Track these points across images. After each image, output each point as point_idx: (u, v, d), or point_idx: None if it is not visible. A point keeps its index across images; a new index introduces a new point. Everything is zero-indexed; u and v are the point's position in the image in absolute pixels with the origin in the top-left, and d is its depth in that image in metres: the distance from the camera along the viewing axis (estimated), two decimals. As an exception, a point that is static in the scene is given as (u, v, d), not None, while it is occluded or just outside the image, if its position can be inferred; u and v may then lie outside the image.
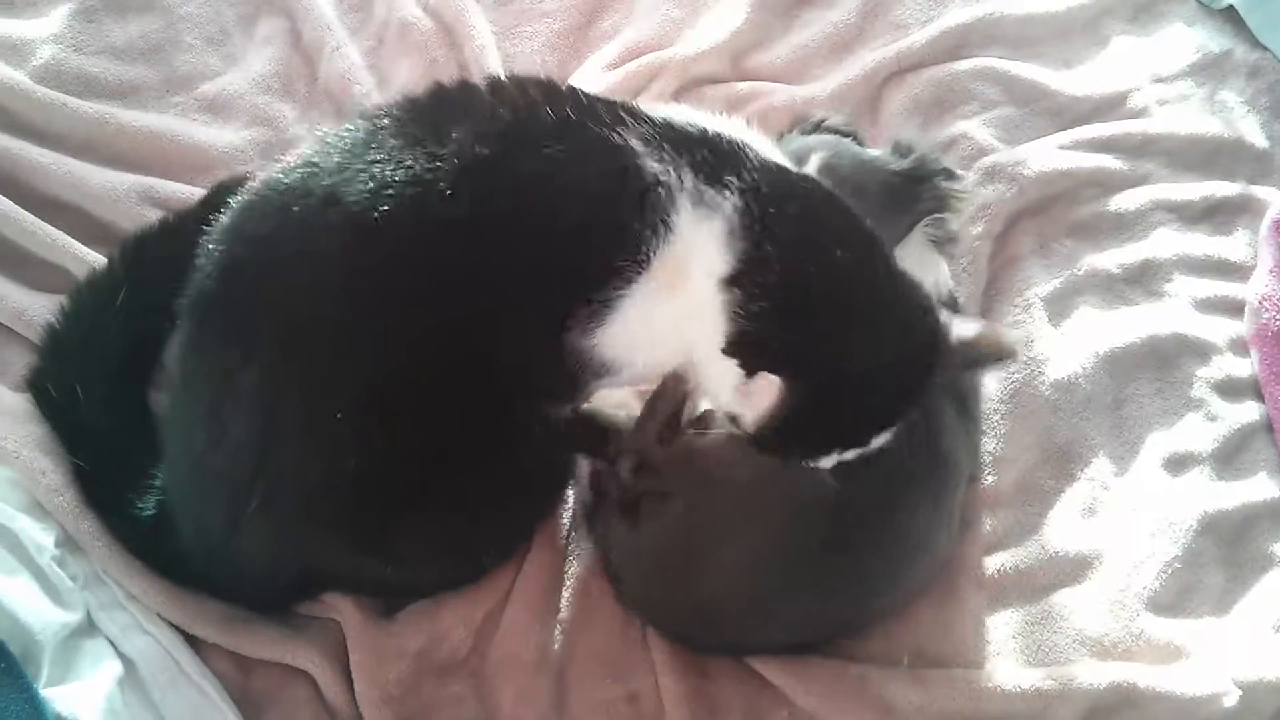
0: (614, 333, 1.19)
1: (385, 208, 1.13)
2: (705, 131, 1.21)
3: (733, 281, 1.15)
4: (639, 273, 1.16)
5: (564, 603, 1.42)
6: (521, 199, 1.16)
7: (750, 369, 1.15)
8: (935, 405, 1.31)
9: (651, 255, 1.16)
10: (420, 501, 1.25)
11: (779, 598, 1.32)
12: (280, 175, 1.23)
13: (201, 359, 1.26)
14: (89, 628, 1.32)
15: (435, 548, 1.34)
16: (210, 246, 1.25)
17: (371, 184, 1.14)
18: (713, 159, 1.18)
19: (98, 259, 1.51)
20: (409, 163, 1.15)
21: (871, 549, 1.30)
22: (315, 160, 1.20)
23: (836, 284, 1.16)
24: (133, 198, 1.59)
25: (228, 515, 1.24)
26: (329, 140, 1.22)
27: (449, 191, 1.14)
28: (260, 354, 1.19)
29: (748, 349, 1.16)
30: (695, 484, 1.34)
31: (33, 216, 1.54)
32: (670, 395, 1.36)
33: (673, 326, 1.20)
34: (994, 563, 1.45)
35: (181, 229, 1.47)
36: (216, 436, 1.23)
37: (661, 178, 1.16)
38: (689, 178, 1.16)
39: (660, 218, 1.16)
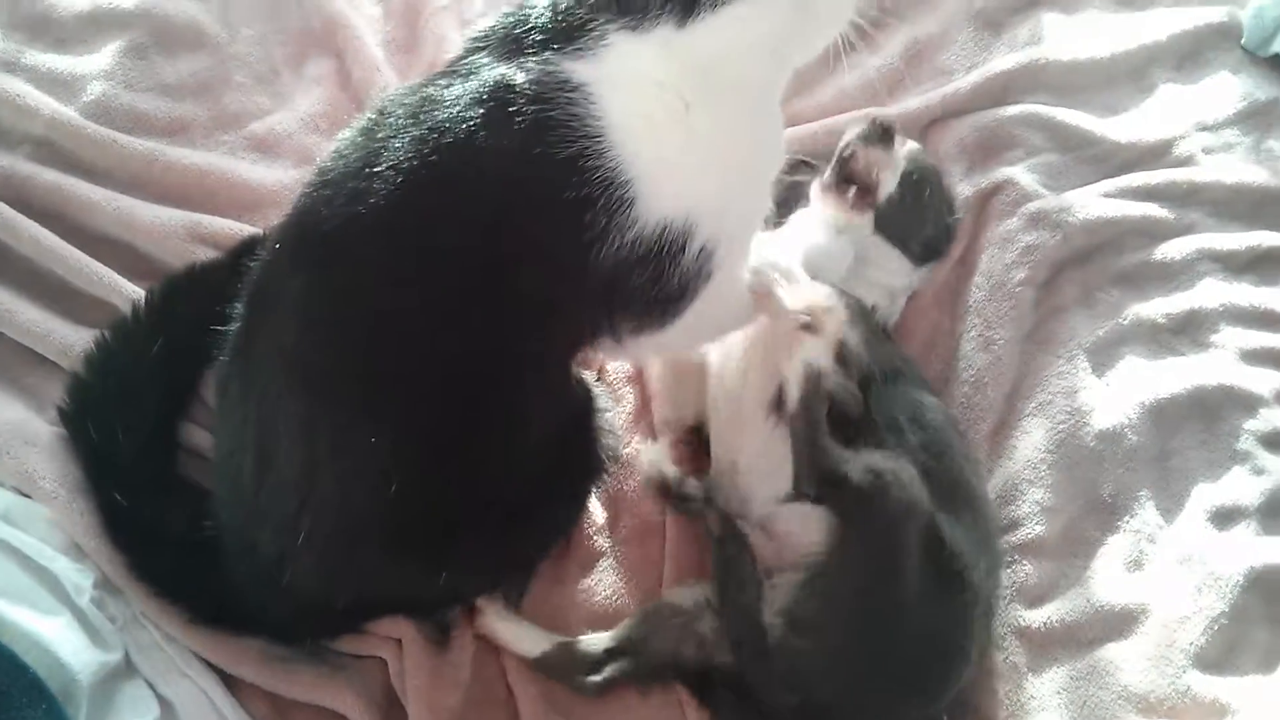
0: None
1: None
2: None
3: None
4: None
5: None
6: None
7: None
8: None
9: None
10: (464, 512, 1.26)
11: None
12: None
13: (243, 401, 1.29)
14: (128, 669, 1.33)
15: (482, 554, 1.34)
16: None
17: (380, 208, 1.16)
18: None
19: (143, 296, 1.52)
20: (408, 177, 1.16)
21: None
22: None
23: None
24: (181, 234, 1.60)
25: (280, 548, 1.26)
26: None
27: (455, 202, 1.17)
28: (296, 388, 1.22)
29: None
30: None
31: (79, 252, 1.56)
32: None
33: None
34: (1039, 616, 1.45)
35: (215, 270, 1.53)
36: (263, 473, 1.25)
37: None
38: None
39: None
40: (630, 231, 1.17)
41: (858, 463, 1.26)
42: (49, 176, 1.62)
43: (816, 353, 1.27)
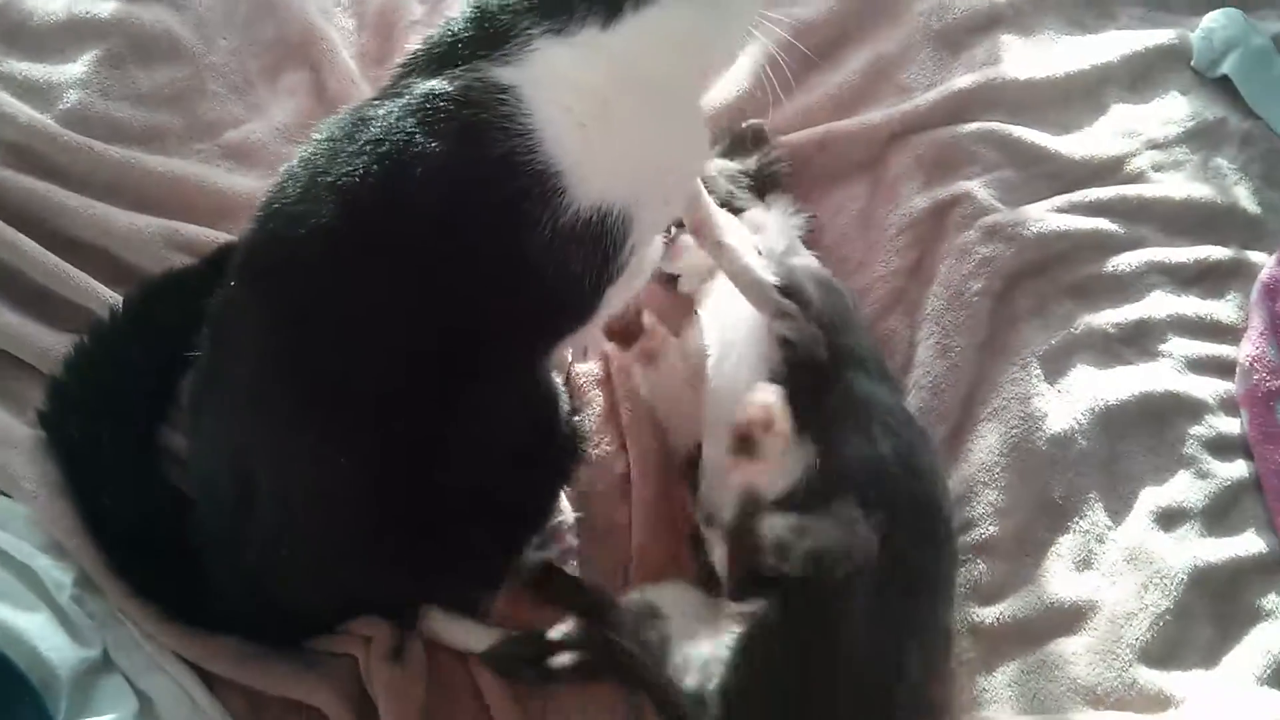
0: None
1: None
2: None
3: None
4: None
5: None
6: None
7: None
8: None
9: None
10: (437, 518, 1.28)
11: None
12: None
13: (215, 424, 1.32)
14: (106, 664, 1.35)
15: (456, 558, 1.35)
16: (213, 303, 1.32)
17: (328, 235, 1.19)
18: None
19: (120, 300, 1.54)
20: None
21: None
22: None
23: None
24: (158, 241, 1.62)
25: (261, 563, 1.29)
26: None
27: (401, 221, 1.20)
28: (263, 410, 1.25)
29: None
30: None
31: (56, 258, 1.58)
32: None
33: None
34: (992, 612, 1.49)
35: (192, 276, 1.55)
36: (241, 494, 1.28)
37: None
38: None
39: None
40: (565, 218, 1.20)
41: (799, 548, 1.24)
42: (25, 182, 1.63)
43: (756, 476, 1.25)
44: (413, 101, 1.20)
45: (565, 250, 1.22)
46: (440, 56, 1.25)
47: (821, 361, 1.37)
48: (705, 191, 1.48)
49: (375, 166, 1.17)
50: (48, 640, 1.29)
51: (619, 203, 1.23)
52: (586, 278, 1.26)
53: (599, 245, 1.24)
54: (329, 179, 1.19)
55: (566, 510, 1.54)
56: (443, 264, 1.20)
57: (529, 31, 1.22)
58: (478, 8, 1.26)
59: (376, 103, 1.24)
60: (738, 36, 1.33)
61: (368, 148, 1.18)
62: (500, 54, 1.22)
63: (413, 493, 1.25)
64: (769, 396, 1.24)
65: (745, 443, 1.23)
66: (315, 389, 1.21)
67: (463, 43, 1.24)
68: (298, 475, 1.24)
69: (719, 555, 1.38)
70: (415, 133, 1.17)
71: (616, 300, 1.38)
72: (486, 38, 1.23)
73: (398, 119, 1.19)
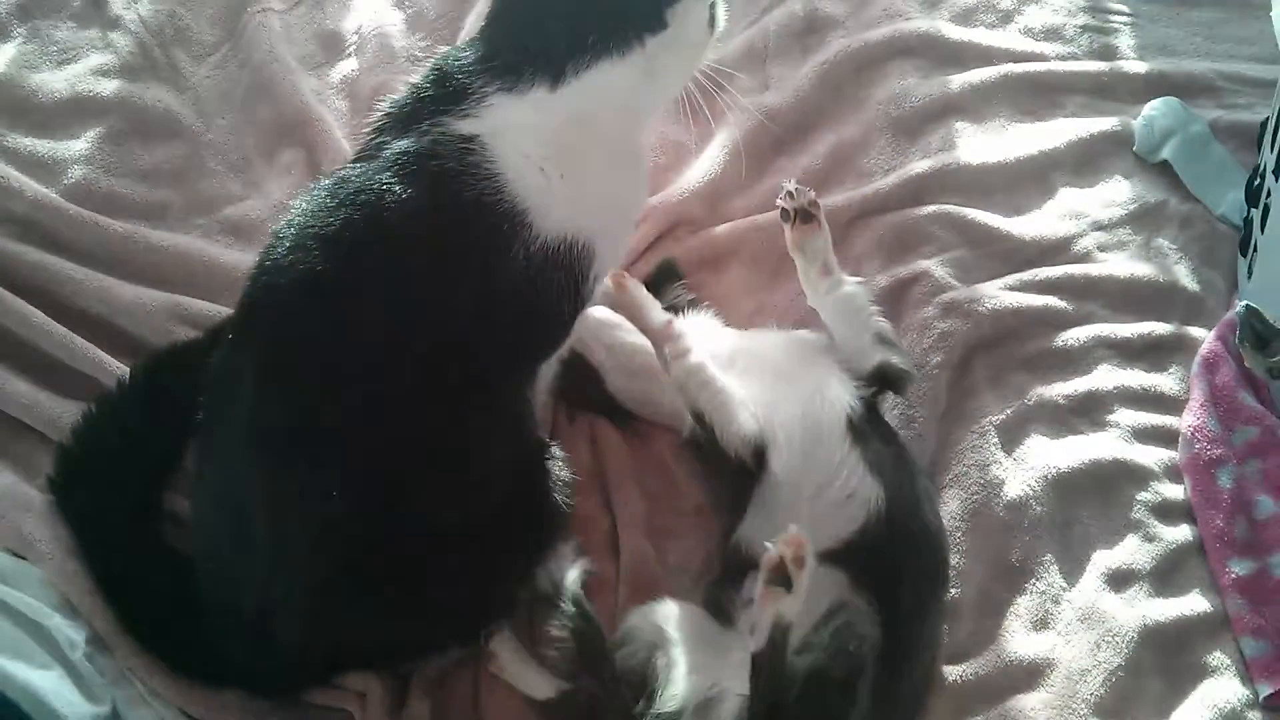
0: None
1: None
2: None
3: None
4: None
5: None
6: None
7: None
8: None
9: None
10: (431, 563, 1.35)
11: None
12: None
13: (214, 477, 1.40)
14: (116, 720, 1.39)
15: (450, 603, 1.41)
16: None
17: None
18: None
19: (126, 371, 1.60)
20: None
21: None
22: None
23: None
24: (162, 314, 1.68)
25: (258, 609, 1.34)
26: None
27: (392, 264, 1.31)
28: (258, 461, 1.33)
29: None
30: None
31: (64, 329, 1.64)
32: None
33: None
34: (955, 671, 1.54)
35: (196, 348, 1.60)
36: (238, 544, 1.34)
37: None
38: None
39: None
40: (535, 247, 1.34)
41: (802, 664, 1.27)
42: (33, 255, 1.70)
43: (786, 607, 1.26)
44: (387, 159, 1.32)
45: (540, 277, 1.34)
46: (407, 116, 1.37)
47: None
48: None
49: (357, 215, 1.29)
50: (61, 697, 1.33)
51: (581, 232, 1.37)
52: (564, 301, 1.39)
53: (570, 271, 1.37)
54: (314, 230, 1.30)
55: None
56: (426, 300, 1.30)
57: (484, 90, 1.36)
58: (437, 69, 1.40)
59: (354, 166, 1.36)
60: (671, 95, 1.48)
61: (349, 200, 1.30)
62: (460, 109, 1.36)
63: (403, 537, 1.32)
64: (801, 535, 1.28)
65: (779, 575, 1.27)
66: (307, 428, 1.29)
67: (426, 101, 1.37)
68: (292, 517, 1.31)
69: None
70: (392, 183, 1.30)
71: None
72: (447, 95, 1.37)
73: (374, 174, 1.31)
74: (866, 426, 1.50)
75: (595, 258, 1.40)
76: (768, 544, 1.28)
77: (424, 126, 1.35)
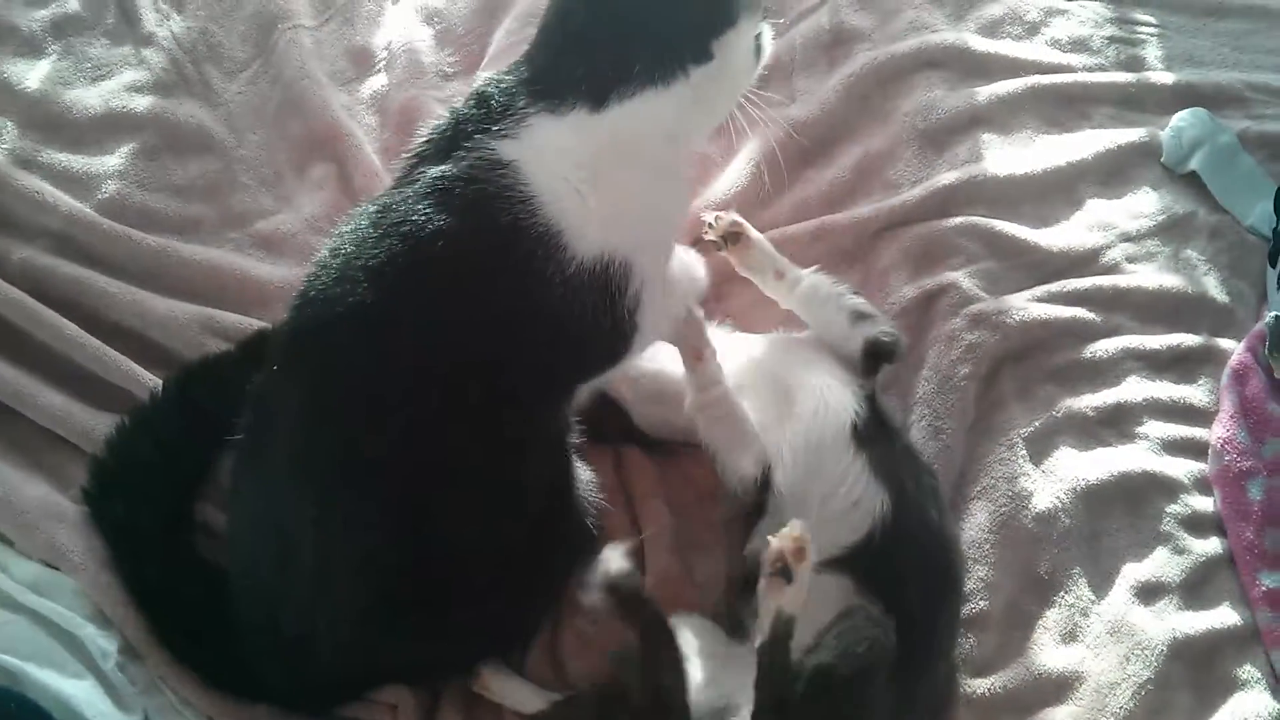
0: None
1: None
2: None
3: None
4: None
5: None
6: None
7: None
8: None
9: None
10: (471, 585, 1.36)
11: None
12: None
13: (257, 501, 1.41)
14: (147, 730, 1.41)
15: (487, 623, 1.43)
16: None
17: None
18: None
19: (158, 383, 1.61)
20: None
21: None
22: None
23: None
24: (194, 327, 1.70)
25: (300, 631, 1.35)
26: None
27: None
28: (303, 486, 1.34)
29: None
30: None
31: (98, 342, 1.66)
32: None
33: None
34: (984, 684, 1.54)
35: (228, 361, 1.63)
36: (282, 568, 1.36)
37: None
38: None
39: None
40: (570, 270, 1.33)
41: (809, 662, 1.26)
42: (67, 269, 1.73)
43: (788, 600, 1.27)
44: (425, 185, 1.32)
45: (577, 297, 1.33)
46: (447, 140, 1.37)
47: None
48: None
49: (400, 245, 1.30)
50: (94, 706, 1.35)
51: (618, 250, 1.36)
52: (602, 318, 1.37)
53: (605, 290, 1.36)
54: (360, 262, 1.30)
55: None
56: (469, 329, 1.31)
57: (525, 110, 1.35)
58: (479, 93, 1.40)
59: (394, 191, 1.36)
60: (715, 123, 1.48)
61: (391, 230, 1.30)
62: (499, 129, 1.35)
63: (444, 560, 1.33)
64: (801, 529, 1.29)
65: (781, 568, 1.28)
66: (356, 460, 1.30)
67: (466, 123, 1.37)
68: (336, 542, 1.32)
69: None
70: (431, 211, 1.29)
71: (651, 334, 1.48)
72: (486, 115, 1.36)
73: (414, 202, 1.31)
74: (871, 429, 1.49)
75: (634, 273, 1.39)
76: (770, 538, 1.29)
77: (462, 151, 1.35)
